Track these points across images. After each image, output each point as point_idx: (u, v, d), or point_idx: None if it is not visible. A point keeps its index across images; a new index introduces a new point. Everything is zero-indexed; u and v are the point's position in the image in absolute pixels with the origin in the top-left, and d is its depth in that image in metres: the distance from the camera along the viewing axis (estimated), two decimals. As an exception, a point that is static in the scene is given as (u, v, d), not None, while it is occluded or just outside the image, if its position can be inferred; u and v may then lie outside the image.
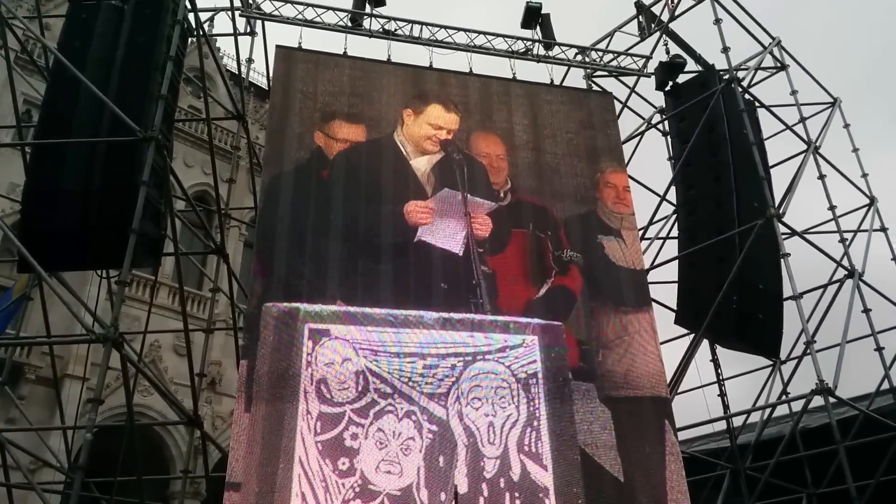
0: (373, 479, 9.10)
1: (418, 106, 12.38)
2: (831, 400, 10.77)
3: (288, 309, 9.85)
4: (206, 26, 13.68)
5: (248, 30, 13.75)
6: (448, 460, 9.42)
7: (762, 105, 14.64)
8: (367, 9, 13.51)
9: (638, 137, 16.01)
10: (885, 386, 13.10)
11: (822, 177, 14.12)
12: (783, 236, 12.27)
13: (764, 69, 15.22)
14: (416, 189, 11.59)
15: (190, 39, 12.54)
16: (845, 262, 13.39)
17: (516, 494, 9.43)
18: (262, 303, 10.09)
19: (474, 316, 10.45)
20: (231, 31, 13.70)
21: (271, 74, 12.59)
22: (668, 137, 15.82)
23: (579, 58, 14.90)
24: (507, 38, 14.06)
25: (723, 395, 13.90)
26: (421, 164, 11.82)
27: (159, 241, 10.06)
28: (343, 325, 9.90)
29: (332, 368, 9.59)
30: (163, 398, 11.54)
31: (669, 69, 14.65)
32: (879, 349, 13.20)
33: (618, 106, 14.81)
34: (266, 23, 13.60)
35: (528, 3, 14.21)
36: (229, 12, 13.40)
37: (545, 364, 10.33)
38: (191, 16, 11.70)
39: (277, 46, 12.43)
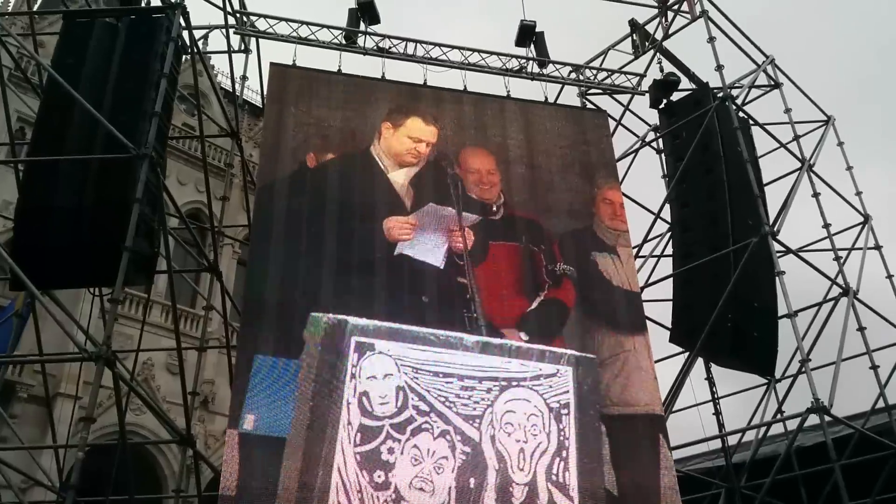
0: (406, 494, 9.16)
1: (397, 119, 12.36)
2: (826, 418, 10.74)
3: (337, 320, 9.92)
4: (200, 44, 13.69)
5: (243, 47, 13.78)
6: (479, 483, 9.47)
7: (756, 123, 14.71)
8: (362, 26, 13.56)
9: (632, 155, 16.05)
10: (881, 404, 13.07)
11: (816, 195, 14.16)
12: (778, 254, 12.29)
13: (758, 87, 15.32)
14: (394, 203, 11.55)
15: (184, 57, 12.55)
16: (840, 280, 13.38)
17: None
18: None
19: (512, 342, 10.59)
20: (225, 49, 13.72)
21: (265, 91, 12.60)
22: (663, 155, 15.87)
23: (573, 76, 14.96)
24: (501, 56, 14.10)
25: (718, 413, 13.84)
26: (399, 177, 11.81)
27: (152, 259, 10.00)
28: (387, 341, 9.99)
29: (374, 382, 9.68)
30: (155, 417, 11.46)
31: (663, 87, 14.71)
32: (874, 367, 13.16)
33: (612, 124, 14.87)
34: (260, 40, 13.63)
35: (522, 21, 14.27)
36: (224, 30, 13.43)
37: (577, 395, 10.42)
38: (185, 33, 11.72)
39: (272, 64, 12.44)
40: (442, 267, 11.12)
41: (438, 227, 11.37)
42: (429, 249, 11.17)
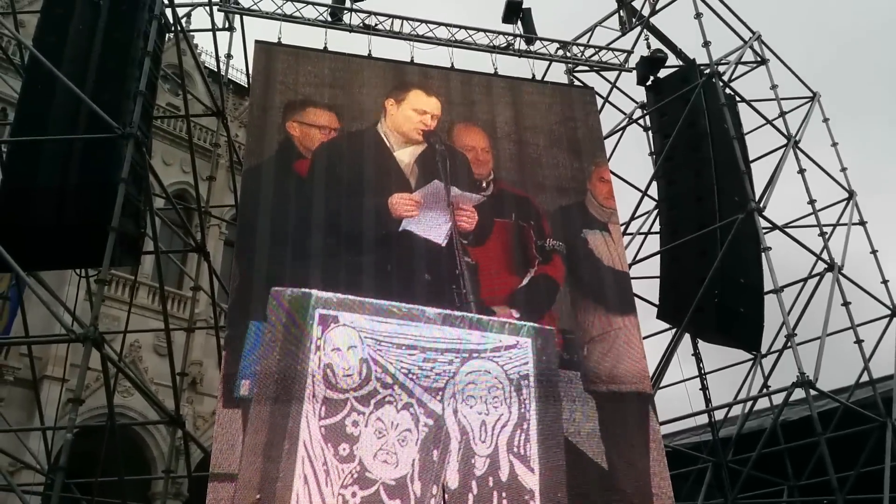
0: (370, 466, 9.20)
1: (399, 94, 12.33)
2: (812, 392, 10.87)
3: (301, 293, 9.89)
4: (183, 22, 13.52)
5: (227, 25, 13.60)
6: (441, 455, 9.52)
7: (743, 99, 14.74)
8: (347, 3, 13.41)
9: (619, 132, 16.05)
10: (865, 378, 13.23)
11: (801, 171, 14.24)
12: (764, 230, 12.36)
13: (744, 64, 15.33)
14: (399, 181, 11.55)
15: (168, 36, 12.39)
16: (825, 256, 13.50)
17: (503, 494, 9.52)
18: (243, 295, 10.10)
19: (473, 315, 10.54)
20: (209, 27, 13.54)
21: (251, 69, 12.46)
22: (650, 132, 15.88)
23: (560, 53, 14.90)
24: (488, 33, 14.02)
25: (705, 388, 14.00)
26: (405, 156, 11.79)
27: (139, 240, 9.93)
28: (350, 313, 9.96)
29: (338, 354, 9.68)
30: (144, 398, 11.44)
31: (650, 64, 14.69)
32: (859, 342, 13.34)
33: (599, 101, 14.84)
34: (245, 18, 13.46)
35: (508, -3, 14.17)
36: (207, 7, 13.24)
37: (537, 367, 10.44)
38: (168, 11, 11.56)
39: (257, 42, 12.30)
40: (444, 244, 11.11)
41: (440, 204, 11.35)
42: (432, 226, 11.17)
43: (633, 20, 15.28)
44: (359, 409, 9.45)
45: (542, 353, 10.53)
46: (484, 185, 12.04)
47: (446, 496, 9.09)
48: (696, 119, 13.50)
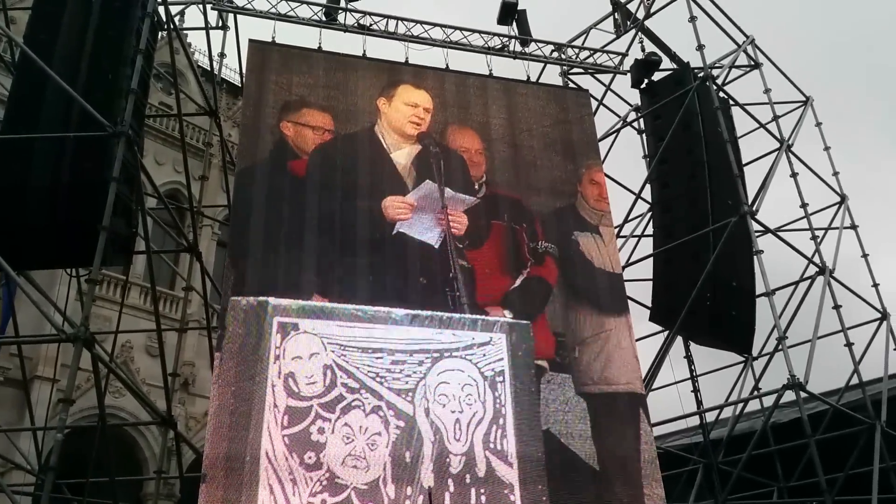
0: (339, 473, 9.11)
1: (389, 92, 12.34)
2: (802, 395, 10.90)
3: (256, 302, 9.79)
4: (176, 20, 13.45)
5: (220, 24, 13.55)
6: (414, 456, 9.45)
7: (736, 103, 14.79)
8: (342, 3, 13.39)
9: (613, 135, 16.08)
10: (855, 381, 13.29)
11: (794, 175, 14.30)
12: (756, 234, 12.40)
13: (738, 67, 15.38)
14: (395, 184, 11.52)
15: (160, 34, 12.34)
16: (816, 259, 13.55)
17: (482, 491, 9.48)
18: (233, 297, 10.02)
19: (443, 314, 10.47)
20: (202, 25, 13.49)
21: (244, 69, 12.43)
22: (644, 135, 15.91)
23: (555, 55, 14.89)
24: (483, 35, 14.01)
25: (696, 390, 14.02)
26: (401, 158, 11.77)
27: (130, 239, 9.89)
28: (311, 320, 9.85)
29: (299, 362, 9.57)
30: (135, 398, 11.38)
31: (645, 67, 14.71)
32: (849, 345, 13.38)
33: (594, 104, 14.85)
34: (238, 17, 13.40)
35: (503, -1, 14.18)
36: (200, 5, 13.19)
37: (512, 362, 10.38)
38: (161, 9, 11.50)
39: (250, 41, 12.25)
40: (437, 246, 11.09)
41: (433, 207, 11.34)
42: (426, 229, 11.16)
43: (628, 23, 15.31)
44: (324, 415, 9.34)
45: (517, 347, 10.45)
46: (476, 187, 12.03)
47: (432, 502, 9.06)
48: (689, 122, 13.52)
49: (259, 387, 9.28)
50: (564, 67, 15.24)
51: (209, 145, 15.43)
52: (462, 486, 9.42)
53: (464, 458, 9.59)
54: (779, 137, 14.44)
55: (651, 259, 13.92)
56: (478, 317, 10.60)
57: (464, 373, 10.12)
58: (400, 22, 13.59)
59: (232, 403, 9.16)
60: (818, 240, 13.88)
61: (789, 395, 11.19)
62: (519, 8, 14.25)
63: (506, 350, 10.40)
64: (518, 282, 11.39)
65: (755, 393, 13.43)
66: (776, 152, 14.31)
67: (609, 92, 15.77)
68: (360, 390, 9.61)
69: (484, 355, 10.30)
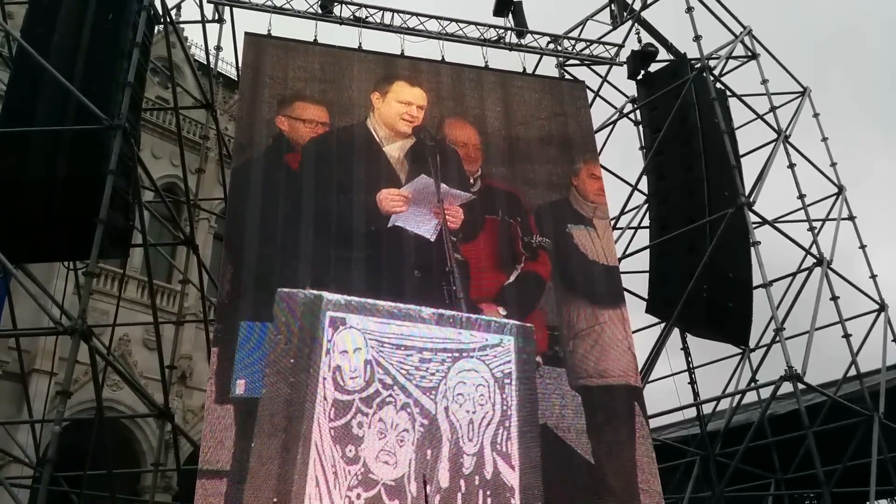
0: (373, 468, 9.30)
1: (384, 87, 12.32)
2: (800, 386, 10.92)
3: (313, 296, 9.96)
4: (173, 13, 13.42)
5: (217, 17, 13.52)
6: (434, 454, 9.61)
7: (733, 94, 14.76)
8: (338, -5, 13.35)
9: (610, 127, 16.06)
10: (853, 372, 13.31)
11: (791, 166, 14.29)
12: (753, 225, 12.40)
13: (735, 58, 15.33)
14: (389, 176, 11.53)
15: (157, 28, 12.30)
16: (814, 251, 13.55)
17: (487, 493, 9.61)
18: (233, 291, 10.10)
19: (462, 314, 10.60)
20: (199, 19, 13.45)
21: (240, 62, 12.40)
22: (640, 127, 15.89)
23: (551, 46, 14.88)
24: (479, 26, 13.99)
25: (693, 382, 14.03)
26: (394, 151, 11.77)
27: (127, 233, 9.87)
28: (357, 315, 10.04)
29: (345, 357, 9.76)
30: (133, 391, 11.39)
31: (641, 58, 14.69)
32: (847, 336, 13.39)
33: (590, 95, 14.84)
34: (234, 10, 13.39)
35: (500, -10, 14.15)
36: (197, -1, 13.16)
37: (518, 365, 10.50)
38: (157, 2, 11.47)
39: (246, 34, 12.24)
40: (433, 240, 11.11)
41: (428, 200, 11.34)
42: (421, 222, 11.17)
43: (625, 14, 15.28)
44: (363, 410, 9.54)
45: (522, 351, 10.61)
46: (472, 181, 12.02)
47: (428, 488, 9.11)
48: (686, 113, 13.52)
49: (313, 379, 9.48)
50: (561, 59, 15.22)
51: (206, 139, 15.38)
52: (472, 486, 9.58)
53: (475, 459, 9.75)
54: (776, 128, 14.43)
55: (648, 251, 13.92)
56: (491, 318, 10.75)
57: (478, 373, 10.29)
58: (396, 14, 13.58)
59: (288, 394, 9.34)
60: (816, 231, 13.88)
61: (787, 387, 11.21)
62: (515, 0, 14.21)
63: (513, 353, 10.56)
64: (512, 277, 11.41)
65: (753, 385, 13.44)
66: (773, 143, 14.29)
67: (605, 83, 15.76)
68: (393, 386, 9.81)
69: (495, 357, 10.46)
